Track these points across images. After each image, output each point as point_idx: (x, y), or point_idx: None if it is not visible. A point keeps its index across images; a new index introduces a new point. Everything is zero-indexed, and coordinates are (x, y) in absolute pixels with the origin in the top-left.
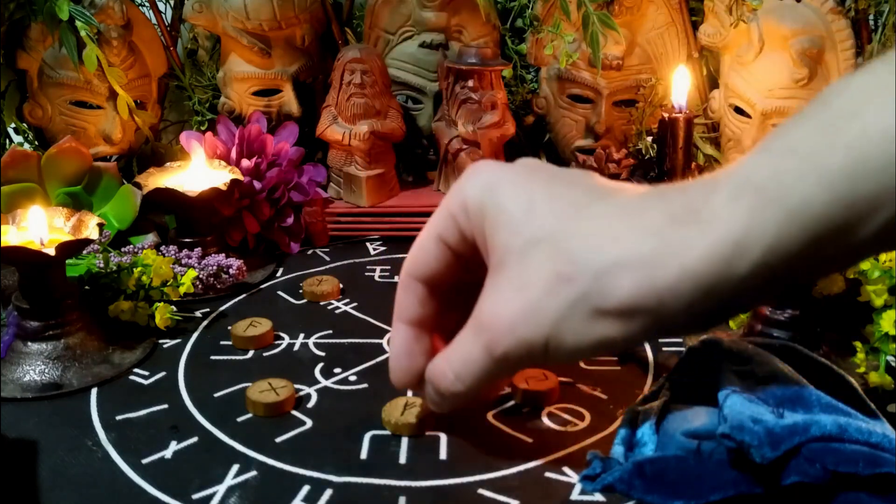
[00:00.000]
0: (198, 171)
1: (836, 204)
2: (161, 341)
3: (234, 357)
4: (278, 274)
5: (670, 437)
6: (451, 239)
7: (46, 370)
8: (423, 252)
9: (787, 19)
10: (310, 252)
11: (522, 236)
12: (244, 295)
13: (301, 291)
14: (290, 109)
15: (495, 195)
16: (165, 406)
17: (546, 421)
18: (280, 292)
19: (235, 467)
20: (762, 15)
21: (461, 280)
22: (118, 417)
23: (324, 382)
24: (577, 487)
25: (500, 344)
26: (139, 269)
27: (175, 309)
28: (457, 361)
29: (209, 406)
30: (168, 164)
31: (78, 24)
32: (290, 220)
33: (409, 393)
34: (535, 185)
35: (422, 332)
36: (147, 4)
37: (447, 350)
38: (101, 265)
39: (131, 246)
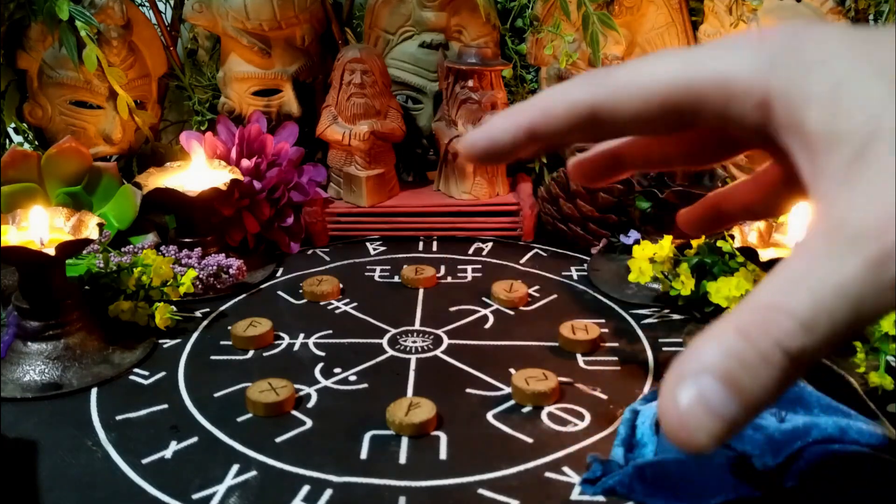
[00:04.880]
0: (198, 171)
1: None
2: (161, 341)
3: (234, 357)
4: (278, 274)
5: None
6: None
7: (46, 370)
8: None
9: (786, 19)
10: (310, 252)
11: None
12: (244, 295)
13: (301, 291)
14: (290, 109)
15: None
16: (165, 406)
17: (546, 421)
18: (280, 292)
19: (235, 467)
20: (762, 15)
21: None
22: (118, 417)
23: (324, 382)
24: (577, 488)
25: None
26: (139, 269)
27: (175, 309)
28: (803, 295)
29: (209, 406)
30: (168, 164)
31: (78, 24)
32: (290, 220)
33: (410, 393)
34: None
35: (535, 141)
36: (147, 4)
37: (763, 285)
38: (101, 265)
39: (131, 246)
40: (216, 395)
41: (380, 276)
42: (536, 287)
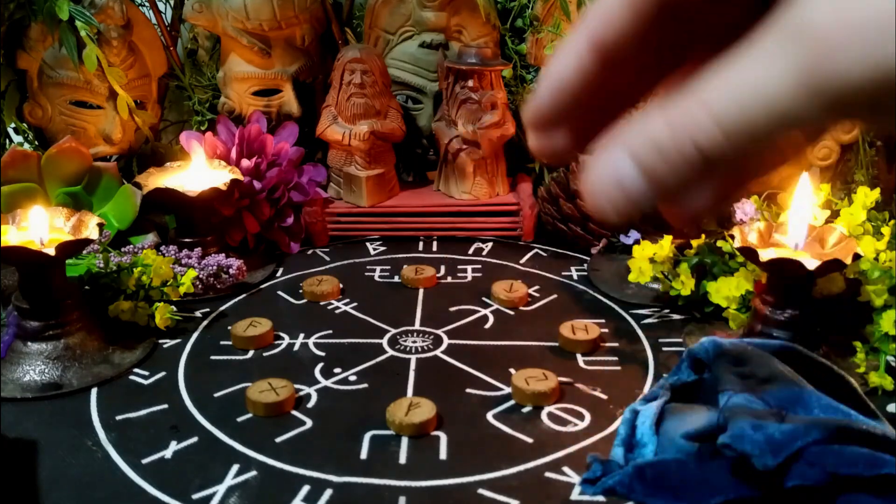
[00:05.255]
0: (198, 171)
1: None
2: (161, 341)
3: (234, 357)
4: (278, 274)
5: (670, 439)
6: None
7: (46, 370)
8: None
9: None
10: (310, 252)
11: None
12: (244, 295)
13: (301, 291)
14: (290, 109)
15: None
16: (165, 406)
17: (546, 421)
18: (280, 292)
19: (235, 467)
20: None
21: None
22: (118, 417)
23: (324, 382)
24: (577, 488)
25: (839, 63)
26: (139, 269)
27: (175, 309)
28: (724, 95)
29: (209, 406)
30: (168, 164)
31: (78, 24)
32: (290, 220)
33: (410, 393)
34: None
35: (602, 65)
36: (147, 4)
37: (710, 72)
38: (101, 265)
39: (131, 246)
40: (216, 395)
41: (380, 276)
42: (536, 287)
